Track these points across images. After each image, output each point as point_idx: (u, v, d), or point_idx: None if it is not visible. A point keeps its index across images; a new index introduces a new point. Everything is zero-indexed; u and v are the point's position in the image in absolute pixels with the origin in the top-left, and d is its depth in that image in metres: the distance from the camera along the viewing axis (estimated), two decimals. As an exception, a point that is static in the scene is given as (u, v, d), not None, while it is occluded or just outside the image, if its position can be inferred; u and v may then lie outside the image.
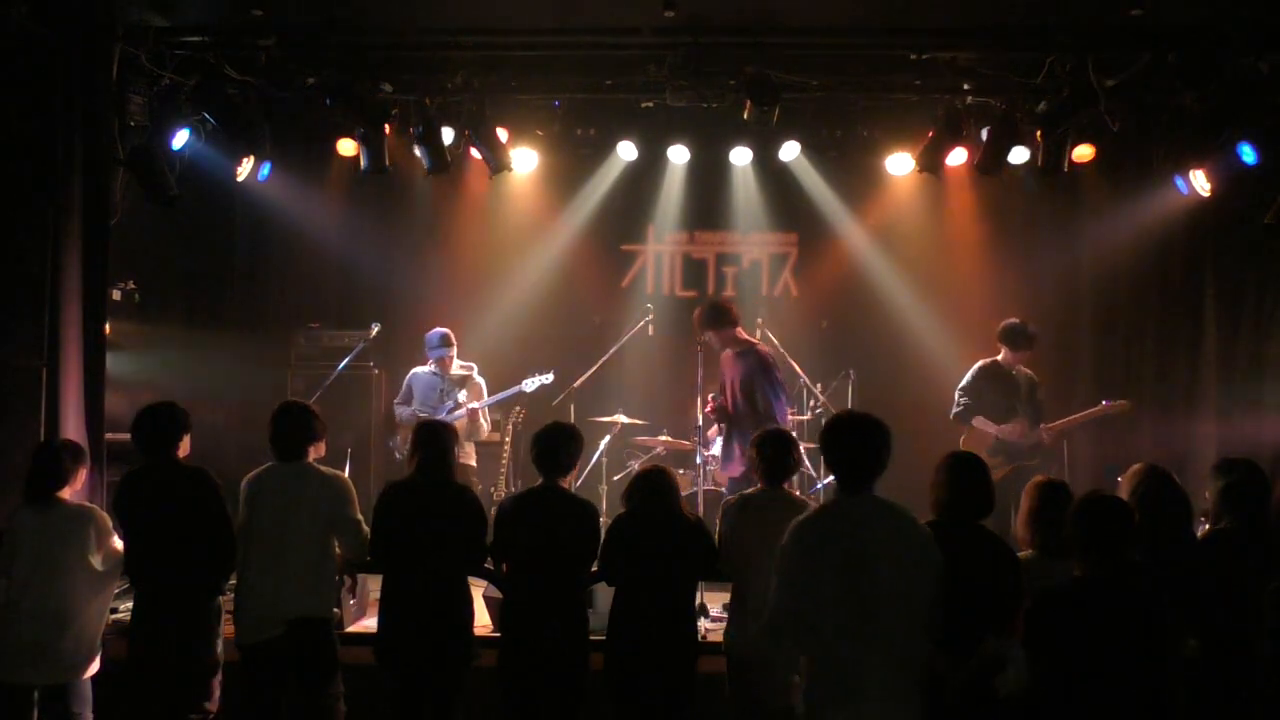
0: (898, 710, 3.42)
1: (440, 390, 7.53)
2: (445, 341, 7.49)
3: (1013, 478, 6.63)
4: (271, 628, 4.45)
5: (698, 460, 6.78)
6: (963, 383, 7.31)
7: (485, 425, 7.61)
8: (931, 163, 7.30)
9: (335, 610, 5.00)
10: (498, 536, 4.56)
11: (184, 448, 4.68)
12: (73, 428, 5.80)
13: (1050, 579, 3.59)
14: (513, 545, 4.52)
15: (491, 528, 4.61)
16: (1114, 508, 3.44)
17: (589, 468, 7.74)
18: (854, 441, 3.60)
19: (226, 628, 4.70)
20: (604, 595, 4.84)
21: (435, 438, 4.59)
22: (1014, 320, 7.22)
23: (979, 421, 7.18)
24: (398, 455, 7.57)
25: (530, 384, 7.47)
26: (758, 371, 6.61)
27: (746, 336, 6.85)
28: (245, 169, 7.36)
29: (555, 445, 4.56)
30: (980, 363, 7.31)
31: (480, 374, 7.68)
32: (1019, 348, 7.15)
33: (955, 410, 7.29)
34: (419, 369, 7.66)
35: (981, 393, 7.22)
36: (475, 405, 7.45)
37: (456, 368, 7.58)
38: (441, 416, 7.36)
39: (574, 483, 7.49)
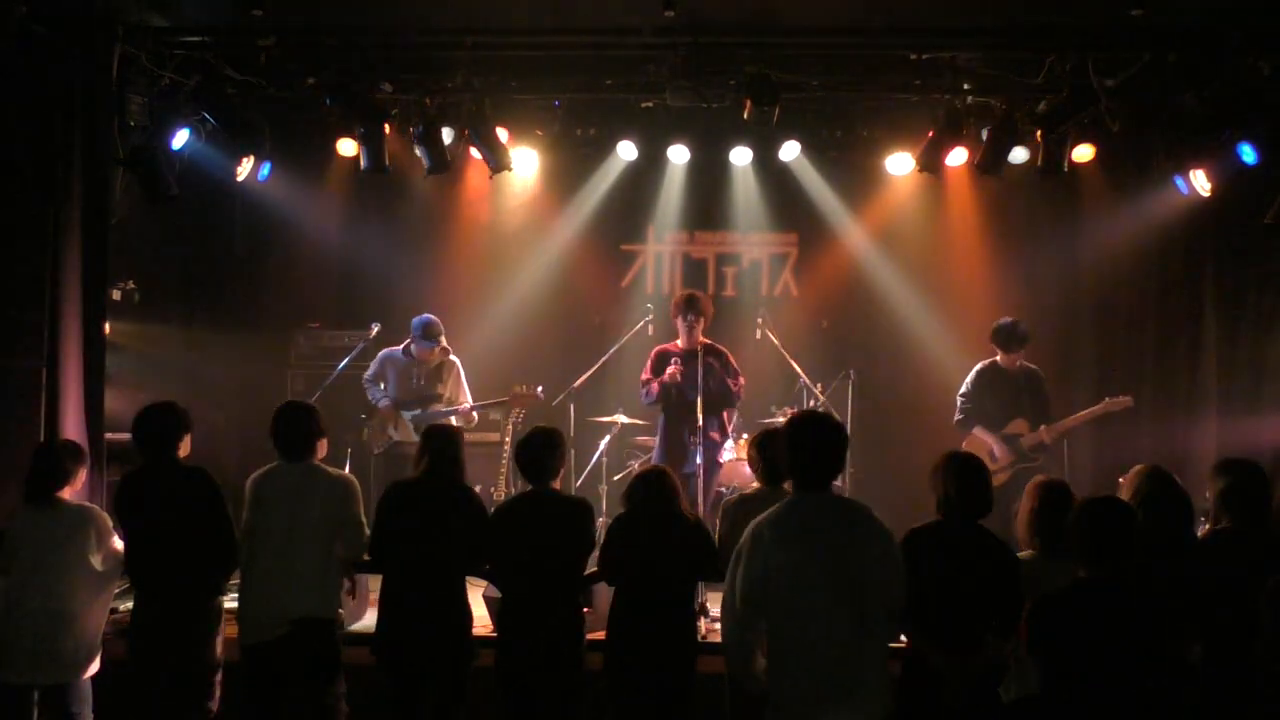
0: (863, 705, 3.44)
1: (415, 378, 7.39)
2: (429, 334, 7.24)
3: (1016, 480, 6.64)
4: (275, 627, 4.44)
5: (697, 460, 6.77)
6: (962, 388, 7.30)
7: (474, 417, 7.51)
8: (931, 163, 7.29)
9: (339, 610, 4.99)
10: (493, 539, 4.56)
11: (184, 448, 4.67)
12: (73, 428, 5.80)
13: (1051, 579, 3.58)
14: (508, 547, 4.52)
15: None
16: (1117, 510, 3.44)
17: (589, 468, 7.74)
18: (818, 440, 3.68)
19: (229, 628, 4.70)
20: (604, 595, 4.84)
21: (444, 442, 4.61)
22: (1005, 320, 7.20)
23: (979, 431, 7.18)
24: (374, 450, 7.47)
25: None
26: (731, 370, 7.05)
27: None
28: (245, 169, 7.37)
29: (539, 454, 4.56)
30: (978, 366, 7.30)
31: (455, 354, 7.52)
32: (1012, 349, 7.14)
33: (956, 418, 7.30)
34: (394, 350, 7.46)
35: (981, 398, 7.22)
36: (465, 407, 7.37)
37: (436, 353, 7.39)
38: (417, 411, 7.31)
39: (573, 483, 7.61)
